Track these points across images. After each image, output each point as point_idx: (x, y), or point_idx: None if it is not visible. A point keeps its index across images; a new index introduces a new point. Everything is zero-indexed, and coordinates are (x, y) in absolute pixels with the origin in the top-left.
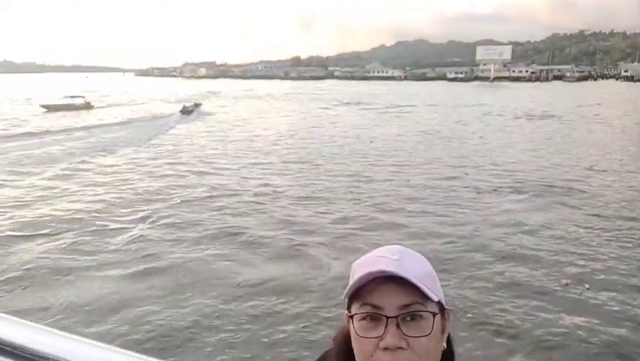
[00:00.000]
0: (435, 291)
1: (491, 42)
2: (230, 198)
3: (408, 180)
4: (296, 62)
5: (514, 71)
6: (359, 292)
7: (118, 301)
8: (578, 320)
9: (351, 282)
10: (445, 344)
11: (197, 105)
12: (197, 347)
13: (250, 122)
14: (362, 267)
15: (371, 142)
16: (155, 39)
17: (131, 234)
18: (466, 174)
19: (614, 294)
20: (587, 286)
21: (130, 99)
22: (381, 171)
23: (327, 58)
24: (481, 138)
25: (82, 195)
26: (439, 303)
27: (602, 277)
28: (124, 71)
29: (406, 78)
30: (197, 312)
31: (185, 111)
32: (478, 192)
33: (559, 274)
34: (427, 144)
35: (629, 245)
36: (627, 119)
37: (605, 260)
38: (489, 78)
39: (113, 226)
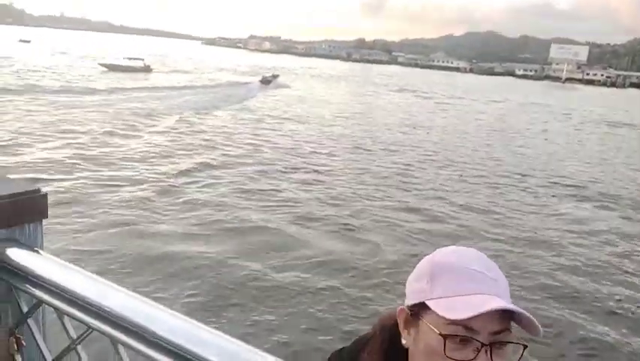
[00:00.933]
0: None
1: (567, 41)
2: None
3: (461, 175)
4: (360, 44)
5: (588, 74)
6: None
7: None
8: None
9: (439, 288)
10: None
11: (274, 76)
12: None
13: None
14: (458, 281)
15: (427, 133)
16: (224, 9)
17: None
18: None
19: None
20: None
21: (204, 67)
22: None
23: (392, 42)
24: (546, 140)
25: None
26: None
27: None
28: (193, 38)
29: (471, 71)
30: None
31: (265, 81)
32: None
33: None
34: (487, 141)
35: None
36: None
37: None
38: (560, 78)
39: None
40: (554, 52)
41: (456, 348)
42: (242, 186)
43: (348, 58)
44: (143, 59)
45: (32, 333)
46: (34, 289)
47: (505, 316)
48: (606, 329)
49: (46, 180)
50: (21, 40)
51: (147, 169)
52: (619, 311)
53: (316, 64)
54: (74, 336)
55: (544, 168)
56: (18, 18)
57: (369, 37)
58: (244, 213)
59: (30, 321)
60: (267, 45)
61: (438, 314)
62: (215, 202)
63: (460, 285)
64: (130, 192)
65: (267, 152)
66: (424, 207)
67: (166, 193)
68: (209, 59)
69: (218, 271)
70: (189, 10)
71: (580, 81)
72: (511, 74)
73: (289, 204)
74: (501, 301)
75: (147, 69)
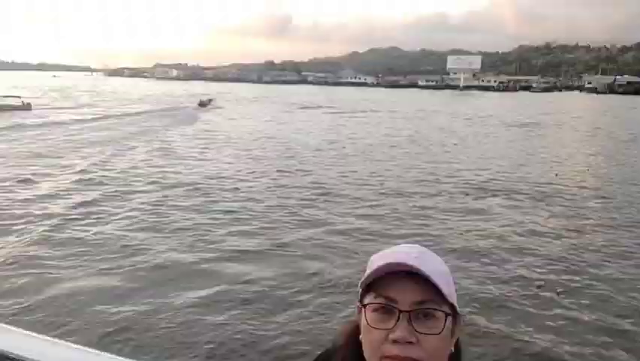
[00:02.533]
0: (449, 293)
1: (462, 52)
2: None
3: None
4: (269, 66)
5: (482, 81)
6: (375, 284)
7: None
8: None
9: (368, 272)
10: (452, 348)
11: (210, 100)
12: None
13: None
14: (381, 259)
15: (343, 148)
16: (123, 38)
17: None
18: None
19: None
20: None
21: (124, 97)
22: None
23: (301, 63)
24: (455, 144)
25: None
26: (452, 306)
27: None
28: (92, 70)
29: (378, 85)
30: None
31: (202, 104)
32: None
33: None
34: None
35: None
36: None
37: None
38: (459, 87)
39: None
40: (451, 62)
41: (379, 319)
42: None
43: (259, 80)
44: (19, 96)
45: None
46: None
47: (429, 288)
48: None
49: None
50: None
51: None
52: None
53: (229, 88)
54: None
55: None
56: None
57: (277, 60)
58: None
59: None
60: (174, 72)
61: (362, 292)
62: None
63: (382, 261)
64: None
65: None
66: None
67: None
68: (121, 89)
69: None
70: (87, 42)
71: (477, 88)
72: (415, 85)
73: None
74: (409, 264)
75: (27, 107)
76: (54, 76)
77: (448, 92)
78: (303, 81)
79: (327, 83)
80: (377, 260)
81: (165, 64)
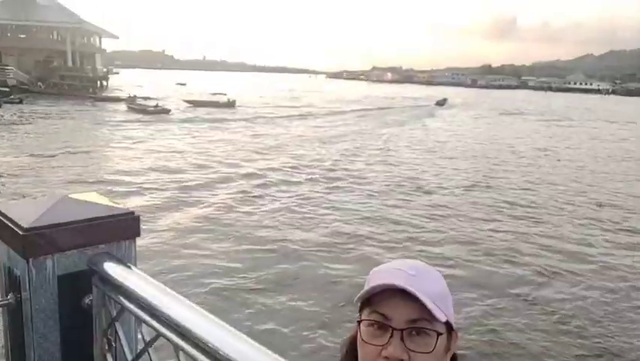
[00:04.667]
0: (445, 310)
1: None
2: None
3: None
4: (486, 69)
5: None
6: (372, 300)
7: None
8: None
9: (366, 288)
10: None
11: (445, 100)
12: None
13: None
14: (379, 276)
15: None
16: (348, 44)
17: None
18: None
19: None
20: None
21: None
22: None
23: (521, 66)
24: None
25: None
26: (447, 323)
27: None
28: (316, 73)
29: (614, 92)
30: None
31: (439, 103)
32: None
33: None
34: None
35: None
36: None
37: None
38: None
39: None
40: None
41: (374, 335)
42: None
43: (472, 84)
44: (225, 94)
45: (118, 336)
46: (121, 298)
47: (423, 307)
48: None
49: None
50: (178, 84)
51: None
52: None
53: (439, 92)
54: (147, 340)
55: None
56: (167, 63)
57: (495, 63)
58: None
59: (117, 325)
60: (388, 76)
61: (360, 306)
62: None
63: (378, 279)
64: None
65: None
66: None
67: None
68: (338, 92)
69: None
70: (316, 47)
71: None
72: None
73: None
74: (401, 286)
75: (231, 104)
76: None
77: None
78: (523, 86)
79: (550, 89)
80: (374, 277)
81: (381, 67)
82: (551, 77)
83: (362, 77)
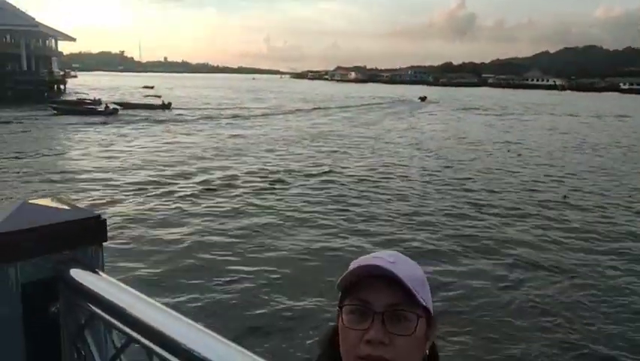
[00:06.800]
0: (423, 297)
1: None
2: None
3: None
4: (447, 68)
5: None
6: (352, 287)
7: None
8: None
9: (344, 274)
10: (427, 351)
11: (425, 97)
12: None
13: None
14: (358, 264)
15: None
16: (311, 47)
17: None
18: None
19: None
20: None
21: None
22: None
23: (481, 64)
24: None
25: None
26: (427, 310)
27: None
28: (282, 73)
29: (569, 88)
30: None
31: (420, 99)
32: None
33: None
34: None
35: None
36: None
37: None
38: None
39: None
40: None
41: (355, 320)
42: None
43: (435, 82)
44: (160, 96)
45: (88, 343)
46: (90, 304)
47: (406, 294)
48: None
49: None
50: (145, 87)
51: None
52: None
53: (402, 90)
54: (119, 346)
55: None
56: (129, 65)
57: (456, 61)
58: None
59: (86, 332)
60: (352, 75)
61: (341, 296)
62: None
63: (357, 265)
64: None
65: None
66: None
67: None
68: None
69: None
70: (278, 49)
71: None
72: (616, 88)
73: None
74: (382, 268)
75: (166, 106)
76: (253, 78)
77: None
78: (483, 83)
79: (509, 86)
80: (354, 264)
81: (345, 67)
82: (510, 75)
83: (326, 76)
